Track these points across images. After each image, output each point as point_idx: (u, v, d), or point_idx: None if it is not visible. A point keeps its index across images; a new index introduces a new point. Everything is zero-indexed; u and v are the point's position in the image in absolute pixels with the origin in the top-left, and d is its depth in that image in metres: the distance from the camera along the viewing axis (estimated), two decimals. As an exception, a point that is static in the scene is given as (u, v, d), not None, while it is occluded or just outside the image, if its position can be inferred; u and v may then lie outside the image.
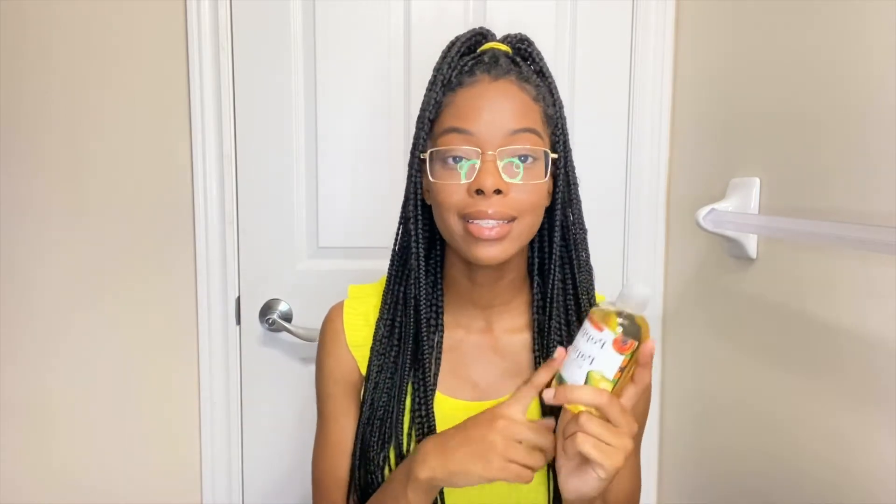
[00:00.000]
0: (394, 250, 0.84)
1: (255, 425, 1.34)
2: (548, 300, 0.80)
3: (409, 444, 0.78)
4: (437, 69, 0.77)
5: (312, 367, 1.34)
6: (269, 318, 1.29)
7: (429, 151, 0.73)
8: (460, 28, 1.26)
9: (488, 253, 0.71)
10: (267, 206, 1.29)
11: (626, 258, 1.34)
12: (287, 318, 1.31)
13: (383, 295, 0.84)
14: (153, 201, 1.28)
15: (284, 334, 1.31)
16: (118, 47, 1.24)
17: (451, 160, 0.72)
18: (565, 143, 0.78)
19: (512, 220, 0.72)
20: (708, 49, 1.17)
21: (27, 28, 1.23)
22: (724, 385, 1.09)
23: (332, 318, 0.86)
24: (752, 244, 0.99)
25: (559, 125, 0.77)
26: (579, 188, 0.81)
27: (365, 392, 0.81)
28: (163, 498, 1.34)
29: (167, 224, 1.28)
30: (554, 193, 0.78)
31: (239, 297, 1.32)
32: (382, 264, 1.32)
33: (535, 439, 0.67)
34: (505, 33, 0.81)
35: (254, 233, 1.30)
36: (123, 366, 1.31)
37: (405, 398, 0.79)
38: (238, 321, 1.32)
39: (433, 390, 0.78)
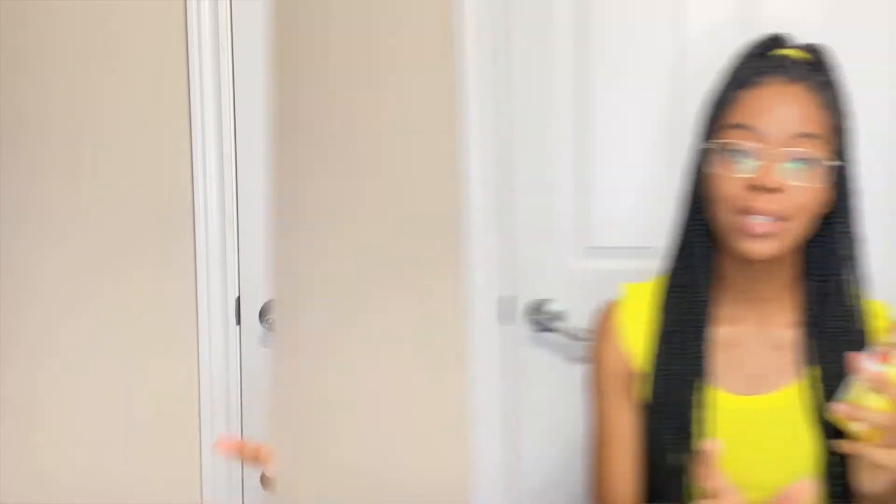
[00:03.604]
0: (672, 243, 0.84)
1: (255, 425, 1.34)
2: (822, 303, 0.80)
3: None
4: (730, 68, 0.78)
5: (313, 367, 1.35)
6: (269, 318, 1.29)
7: (712, 144, 0.76)
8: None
9: (758, 248, 0.73)
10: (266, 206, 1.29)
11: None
12: (287, 318, 1.31)
13: (663, 287, 0.84)
14: (153, 201, 1.27)
15: (284, 334, 1.31)
16: (117, 47, 1.24)
17: (731, 154, 0.73)
18: (849, 153, 0.78)
19: (783, 219, 0.72)
20: None
21: (26, 28, 1.22)
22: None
23: (608, 316, 0.87)
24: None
25: (844, 135, 0.77)
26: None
27: (650, 387, 0.82)
28: (163, 498, 1.34)
29: (167, 224, 1.28)
30: (836, 202, 0.77)
31: (239, 297, 1.32)
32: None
33: None
34: (804, 42, 0.80)
35: (254, 233, 1.30)
36: (123, 366, 1.30)
37: (695, 394, 0.79)
38: (238, 321, 1.32)
39: (707, 384, 0.79)
